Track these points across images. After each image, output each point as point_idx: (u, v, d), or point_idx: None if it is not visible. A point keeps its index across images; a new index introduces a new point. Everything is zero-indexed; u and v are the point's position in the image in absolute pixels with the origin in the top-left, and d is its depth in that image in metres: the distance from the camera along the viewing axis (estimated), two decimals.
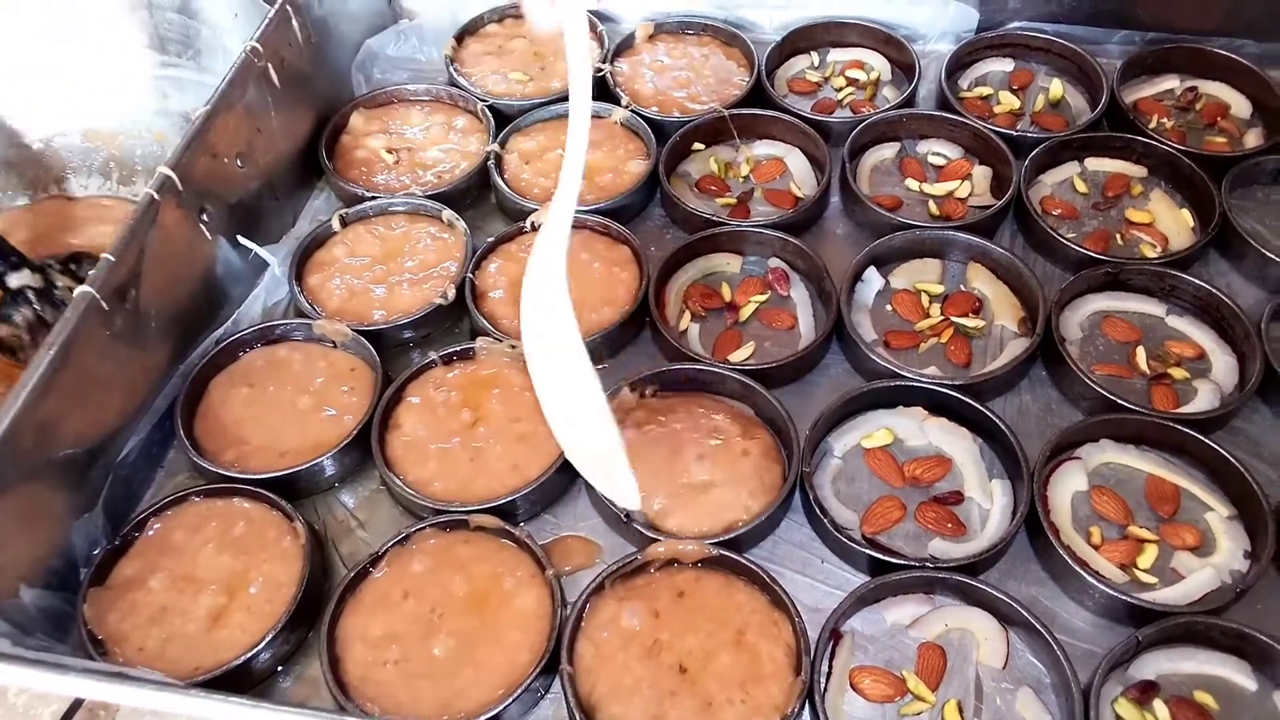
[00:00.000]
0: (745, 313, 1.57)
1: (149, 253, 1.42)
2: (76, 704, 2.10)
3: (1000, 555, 1.30)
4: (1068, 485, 1.36)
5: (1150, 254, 1.62)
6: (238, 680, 1.21)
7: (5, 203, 2.23)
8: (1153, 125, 1.79)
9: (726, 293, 1.60)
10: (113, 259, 1.36)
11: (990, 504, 1.35)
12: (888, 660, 1.24)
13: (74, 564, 1.30)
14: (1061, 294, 1.53)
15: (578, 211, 1.64)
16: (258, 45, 1.65)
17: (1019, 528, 1.30)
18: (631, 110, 1.82)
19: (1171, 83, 1.90)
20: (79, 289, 1.34)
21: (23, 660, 1.08)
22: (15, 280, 1.66)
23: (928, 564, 1.27)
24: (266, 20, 1.71)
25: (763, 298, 1.58)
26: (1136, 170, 1.75)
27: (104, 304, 1.34)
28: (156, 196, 1.44)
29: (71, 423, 1.31)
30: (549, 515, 1.39)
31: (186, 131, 1.52)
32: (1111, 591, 1.24)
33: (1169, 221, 1.67)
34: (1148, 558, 1.30)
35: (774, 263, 1.63)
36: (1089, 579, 1.24)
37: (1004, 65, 1.95)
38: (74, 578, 1.29)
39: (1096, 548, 1.31)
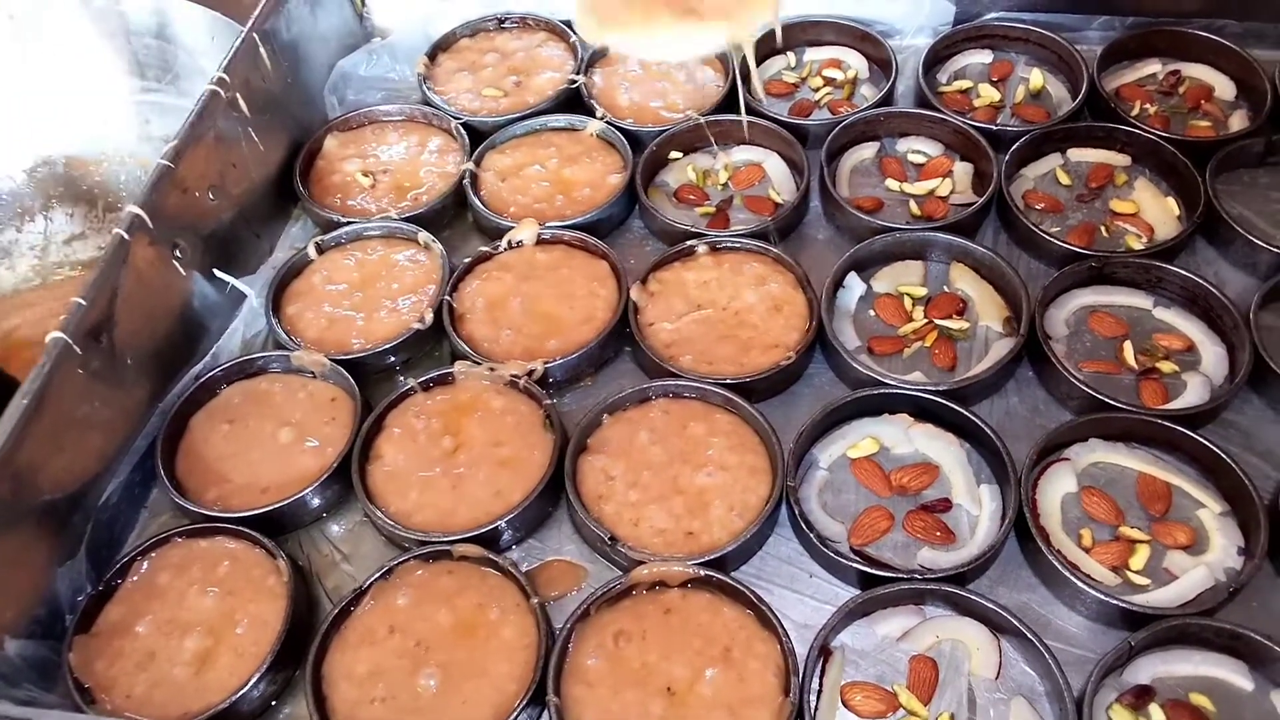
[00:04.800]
0: None
1: (122, 292, 1.41)
2: None
3: (990, 563, 1.29)
4: (1057, 487, 1.34)
5: (1136, 245, 1.60)
6: None
7: None
8: (1135, 112, 1.77)
9: None
10: (83, 302, 1.35)
11: (979, 510, 1.33)
12: (879, 675, 1.22)
13: (59, 611, 1.29)
14: (1045, 291, 1.51)
15: (554, 228, 1.65)
16: (224, 76, 1.64)
17: (1008, 534, 1.28)
18: (607, 122, 1.80)
19: (1153, 67, 1.87)
20: (51, 334, 1.33)
21: (7, 719, 1.07)
22: None
23: (916, 575, 1.26)
24: (232, 50, 1.69)
25: None
26: (1120, 159, 1.72)
27: (76, 348, 1.33)
28: (126, 236, 1.43)
29: (50, 469, 1.30)
30: (534, 540, 1.38)
31: (154, 168, 1.51)
32: (1103, 596, 1.22)
33: (1154, 210, 1.65)
34: (1140, 559, 1.28)
35: None
36: (1080, 584, 1.23)
37: (983, 57, 1.92)
38: (59, 625, 1.29)
39: (1088, 550, 1.29)
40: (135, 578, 1.32)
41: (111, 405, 1.41)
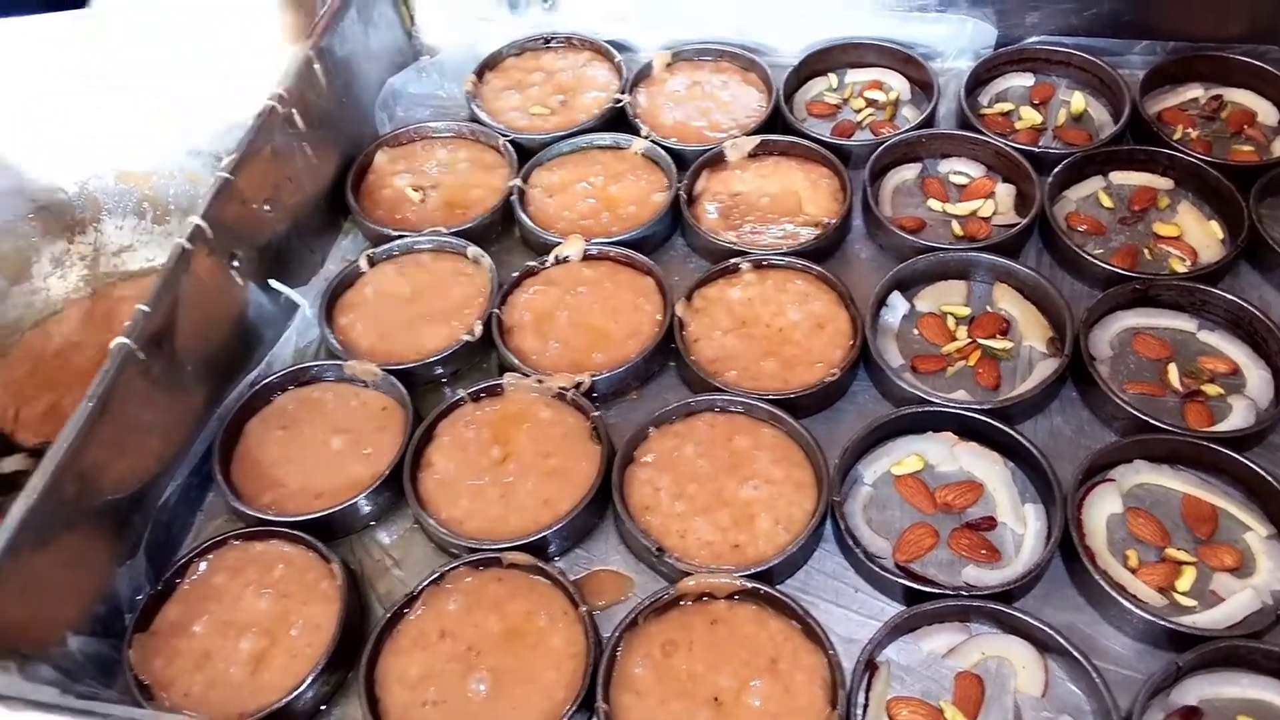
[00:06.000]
0: None
1: (183, 300, 1.45)
2: None
3: (1036, 581, 1.30)
4: (1102, 508, 1.35)
5: (1179, 268, 1.61)
6: None
7: (45, 246, 2.28)
8: (1177, 136, 1.78)
9: None
10: (148, 309, 1.39)
11: (1024, 529, 1.34)
12: (924, 690, 1.23)
13: (119, 610, 1.33)
14: (1090, 312, 1.52)
15: (600, 244, 1.68)
16: (282, 92, 1.68)
17: (1054, 553, 1.29)
18: (651, 140, 1.83)
19: (1195, 92, 1.88)
20: (115, 340, 1.37)
21: (70, 710, 1.10)
22: (9, 465, 1.72)
23: (962, 592, 1.27)
24: (290, 66, 1.74)
25: None
26: (1162, 183, 1.73)
27: (140, 353, 1.37)
28: (189, 246, 1.47)
29: (112, 470, 1.34)
30: (580, 550, 1.40)
31: (214, 181, 1.55)
32: (1149, 616, 1.22)
33: (1198, 234, 1.66)
34: (1186, 580, 1.28)
35: None
36: (1126, 604, 1.23)
37: (1024, 80, 1.94)
38: (119, 624, 1.32)
39: (1134, 571, 1.29)
40: (193, 578, 1.36)
41: (171, 410, 1.45)
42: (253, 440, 1.50)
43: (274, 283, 1.64)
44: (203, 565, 1.37)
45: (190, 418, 1.49)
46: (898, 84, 1.96)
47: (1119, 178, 1.75)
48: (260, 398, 1.54)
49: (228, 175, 1.56)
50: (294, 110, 1.71)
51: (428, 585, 1.31)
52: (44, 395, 1.92)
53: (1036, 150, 1.76)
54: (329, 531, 1.40)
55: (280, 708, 1.22)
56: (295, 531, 1.37)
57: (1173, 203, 1.71)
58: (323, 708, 1.28)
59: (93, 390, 1.31)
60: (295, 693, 1.22)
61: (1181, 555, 1.30)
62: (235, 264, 1.58)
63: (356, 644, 1.29)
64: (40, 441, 1.76)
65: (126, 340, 1.35)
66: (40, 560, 1.22)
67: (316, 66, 1.80)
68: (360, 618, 1.33)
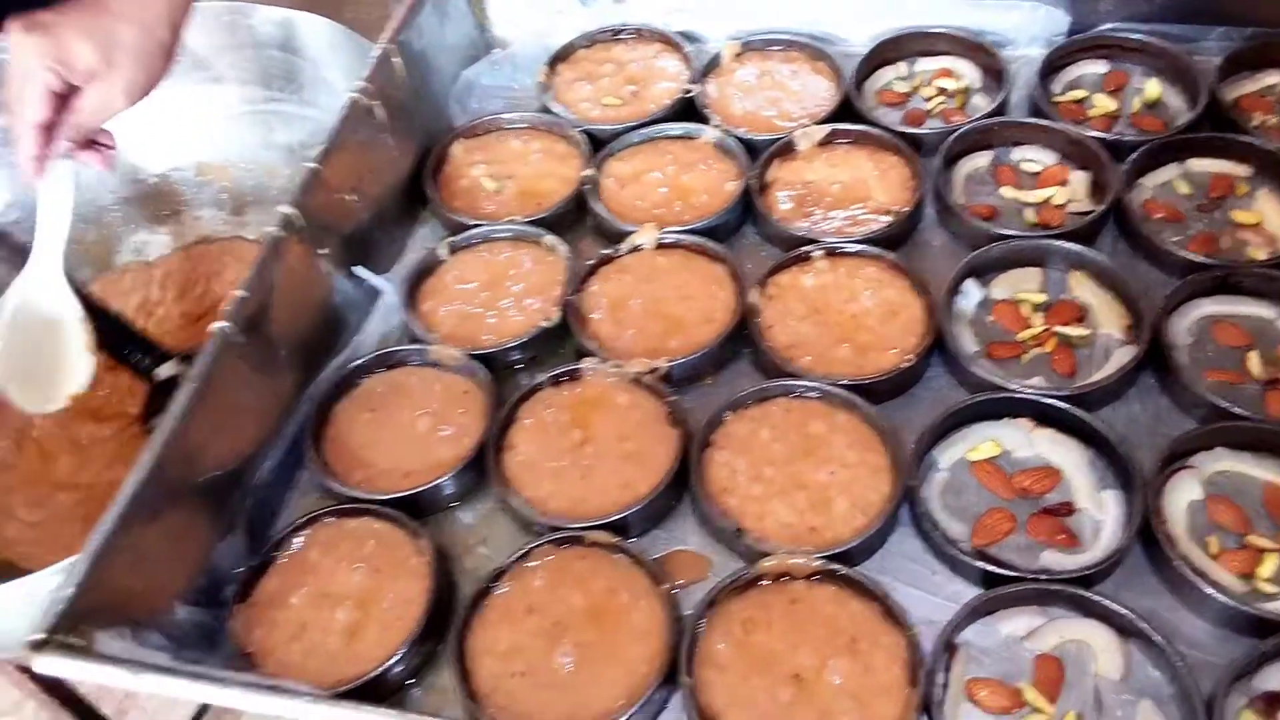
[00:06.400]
0: None
1: (276, 287, 1.51)
2: (203, 709, 2.22)
3: (1115, 567, 1.30)
4: (1182, 495, 1.35)
5: (1258, 255, 1.59)
6: (375, 691, 1.27)
7: (127, 236, 2.37)
8: (1255, 123, 1.76)
9: None
10: (245, 294, 1.45)
11: (1102, 515, 1.35)
12: (1004, 672, 1.24)
13: (220, 582, 1.39)
14: (1168, 299, 1.51)
15: (673, 232, 1.70)
16: (366, 84, 1.73)
17: (1133, 538, 1.30)
18: (722, 130, 1.85)
19: (1273, 78, 1.85)
20: (215, 324, 1.43)
21: (184, 674, 1.16)
22: (165, 371, 1.79)
23: (1041, 576, 1.28)
24: (371, 60, 1.79)
25: None
26: (1241, 170, 1.71)
27: (238, 337, 1.43)
28: (281, 234, 1.53)
29: (213, 449, 1.40)
30: (659, 530, 1.43)
31: (304, 172, 1.60)
32: (1231, 602, 1.23)
33: (1277, 221, 1.64)
34: (1268, 567, 1.28)
35: None
36: (1207, 590, 1.24)
37: (1098, 67, 1.93)
38: (220, 595, 1.38)
39: (1214, 557, 1.29)
40: (289, 553, 1.41)
41: (265, 393, 1.51)
42: (343, 422, 1.55)
43: (359, 270, 1.69)
44: (298, 540, 1.42)
45: (282, 400, 1.55)
46: (969, 72, 1.95)
47: (1196, 165, 1.73)
48: (348, 381, 1.60)
49: (316, 165, 1.61)
50: (376, 103, 1.76)
51: (514, 562, 1.35)
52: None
53: (1111, 137, 1.75)
54: (416, 509, 1.44)
55: (375, 676, 1.27)
56: (385, 509, 1.42)
57: (1251, 190, 1.69)
58: (409, 681, 1.33)
59: (195, 372, 1.37)
60: (388, 663, 1.27)
61: (1263, 542, 1.30)
62: (322, 251, 1.63)
63: (445, 617, 1.33)
64: (190, 346, 1.82)
65: (226, 324, 1.41)
66: (149, 534, 1.28)
67: (396, 60, 1.84)
68: (448, 593, 1.38)
